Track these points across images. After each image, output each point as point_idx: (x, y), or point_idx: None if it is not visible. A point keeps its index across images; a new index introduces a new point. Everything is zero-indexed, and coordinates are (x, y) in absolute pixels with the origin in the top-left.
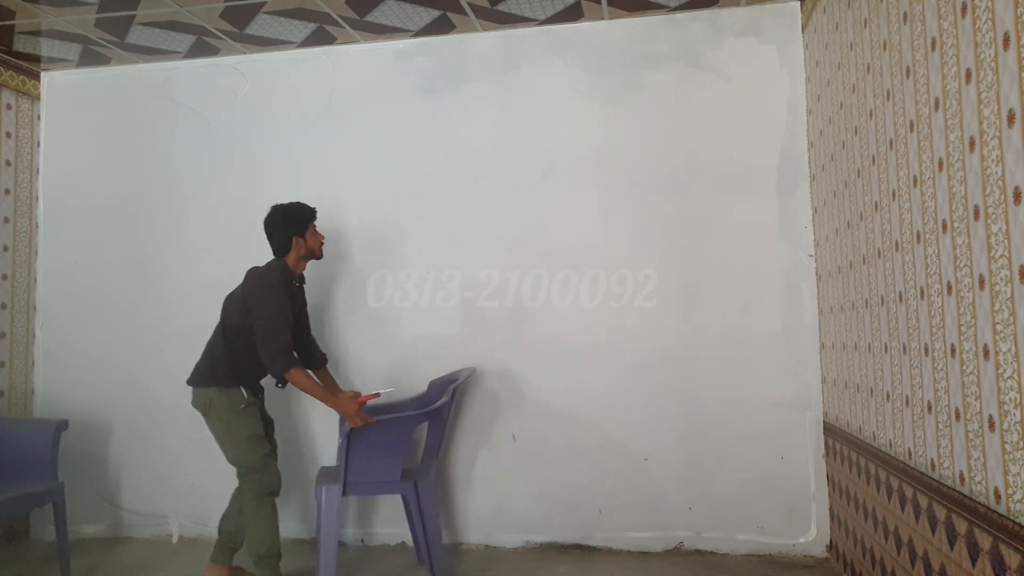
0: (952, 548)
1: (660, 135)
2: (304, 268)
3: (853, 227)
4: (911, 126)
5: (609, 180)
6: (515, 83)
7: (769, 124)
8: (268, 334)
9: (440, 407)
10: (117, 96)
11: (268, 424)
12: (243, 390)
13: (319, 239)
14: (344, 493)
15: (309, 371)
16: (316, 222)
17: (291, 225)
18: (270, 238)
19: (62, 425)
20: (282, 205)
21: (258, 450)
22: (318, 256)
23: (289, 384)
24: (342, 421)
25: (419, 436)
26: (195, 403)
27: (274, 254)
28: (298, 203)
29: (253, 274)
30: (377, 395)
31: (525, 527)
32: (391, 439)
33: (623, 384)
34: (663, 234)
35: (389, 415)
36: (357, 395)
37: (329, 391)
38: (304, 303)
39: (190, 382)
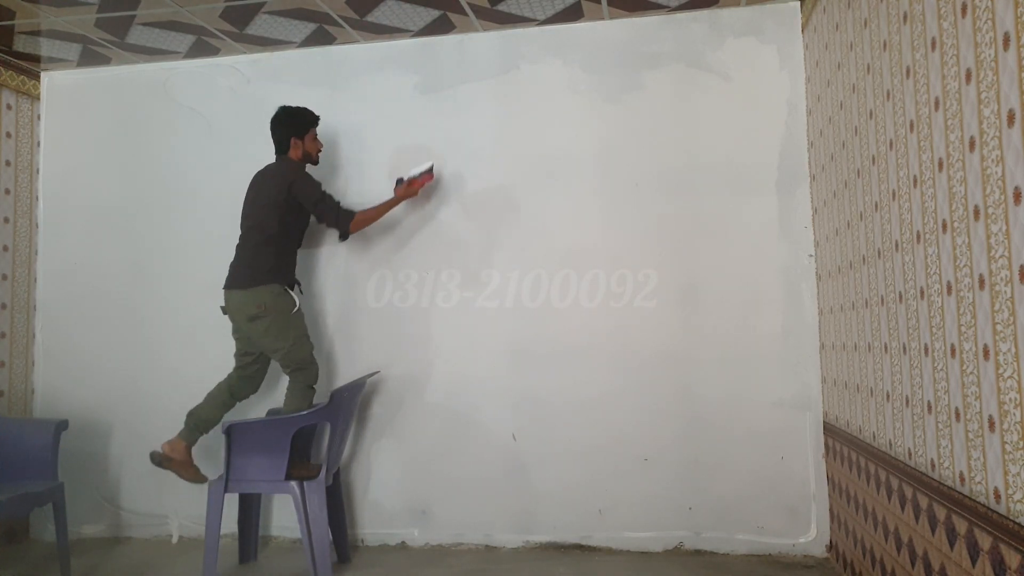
0: (952, 548)
1: (660, 135)
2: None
3: (853, 227)
4: (911, 126)
5: (609, 180)
6: (515, 83)
7: (769, 124)
8: (325, 204)
9: (318, 411)
10: (117, 96)
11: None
12: (293, 294)
13: (317, 145)
14: (226, 490)
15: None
16: (317, 129)
17: (292, 126)
18: (273, 136)
19: (62, 425)
20: (289, 107)
21: (308, 346)
22: (314, 161)
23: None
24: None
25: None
26: (243, 305)
27: (277, 151)
28: (303, 107)
29: (274, 172)
30: (428, 171)
31: (525, 527)
32: (272, 440)
33: (623, 384)
34: (663, 234)
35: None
36: (409, 181)
37: (385, 204)
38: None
39: (237, 285)
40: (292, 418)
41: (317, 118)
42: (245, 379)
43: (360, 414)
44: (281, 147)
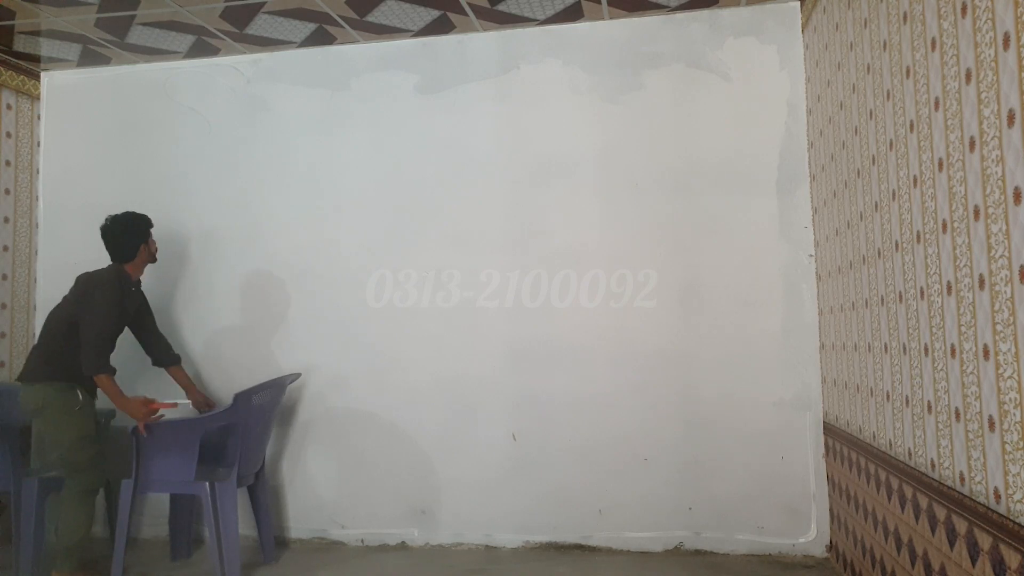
0: (952, 548)
1: (660, 135)
2: (142, 272)
3: (853, 227)
4: (911, 126)
5: (609, 180)
6: (515, 83)
7: (769, 124)
8: (91, 336)
9: (222, 413)
10: (117, 96)
11: (98, 423)
12: (79, 391)
13: (154, 245)
14: (136, 491)
15: (165, 368)
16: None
17: (137, 234)
18: (114, 246)
19: (110, 414)
20: (123, 215)
21: (88, 449)
22: (155, 260)
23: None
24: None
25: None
26: (26, 401)
27: (114, 260)
28: (135, 212)
29: (86, 279)
30: (174, 404)
31: (525, 527)
32: (181, 442)
33: (623, 384)
34: (663, 234)
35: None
36: (150, 401)
37: (123, 396)
38: (146, 304)
39: (21, 378)
40: (199, 419)
41: (150, 220)
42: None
43: (360, 414)
44: (128, 256)
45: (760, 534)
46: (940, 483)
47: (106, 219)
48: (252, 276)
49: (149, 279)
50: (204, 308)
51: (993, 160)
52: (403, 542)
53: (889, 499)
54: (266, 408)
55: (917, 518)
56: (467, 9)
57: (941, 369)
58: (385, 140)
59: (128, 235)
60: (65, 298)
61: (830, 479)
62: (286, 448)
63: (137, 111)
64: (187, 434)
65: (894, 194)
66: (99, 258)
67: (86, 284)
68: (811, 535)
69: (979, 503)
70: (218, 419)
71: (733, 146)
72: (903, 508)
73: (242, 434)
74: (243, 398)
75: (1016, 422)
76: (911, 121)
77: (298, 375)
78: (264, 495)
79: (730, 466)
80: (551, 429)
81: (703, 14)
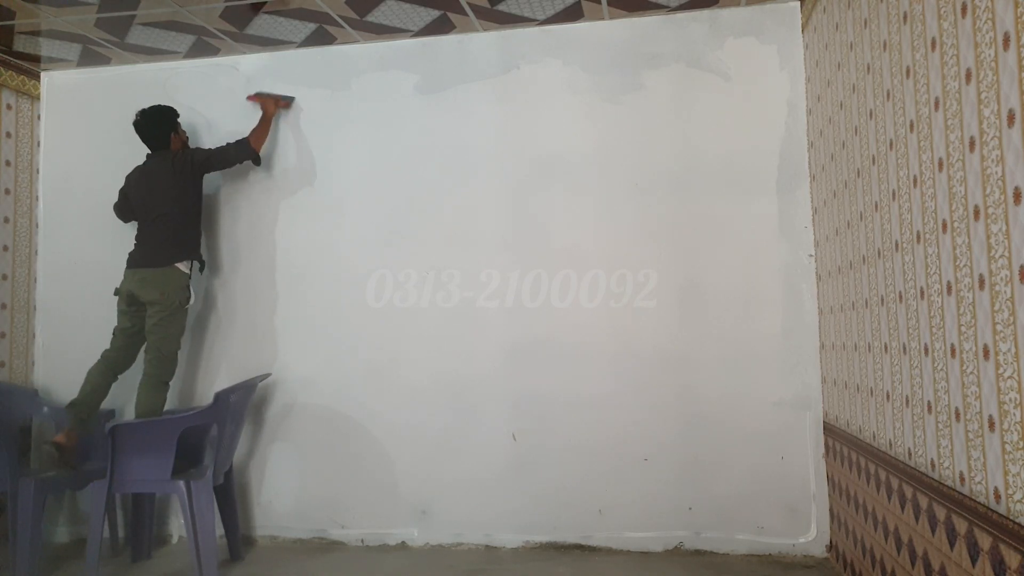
0: (952, 548)
1: (660, 135)
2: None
3: (853, 227)
4: (911, 126)
5: (609, 180)
6: (515, 83)
7: (769, 124)
8: (224, 151)
9: (203, 412)
10: (117, 96)
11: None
12: (191, 289)
13: (184, 134)
14: (111, 490)
15: None
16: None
17: (170, 122)
18: (151, 136)
19: (109, 414)
20: (151, 108)
21: (178, 343)
22: (188, 147)
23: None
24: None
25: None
26: (149, 287)
27: (156, 149)
28: (161, 105)
29: (169, 158)
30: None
31: (525, 527)
32: (158, 441)
33: (623, 384)
34: (663, 234)
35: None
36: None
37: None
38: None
39: (151, 263)
40: (177, 418)
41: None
42: (124, 353)
43: (360, 414)
44: (161, 143)
45: (760, 534)
46: (940, 483)
47: (136, 114)
48: (251, 276)
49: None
50: (204, 308)
51: (993, 160)
52: (403, 542)
53: (889, 499)
54: (239, 407)
55: (917, 518)
56: (467, 9)
57: (941, 369)
58: (385, 140)
59: (161, 125)
60: (155, 186)
61: (830, 479)
62: (286, 448)
63: (137, 111)
64: (165, 433)
65: (894, 194)
66: (99, 258)
67: (175, 163)
68: (811, 535)
69: (979, 503)
70: (197, 418)
71: (733, 146)
72: (903, 508)
73: (218, 432)
74: (223, 397)
75: (1016, 422)
76: (911, 121)
77: (268, 375)
78: (233, 494)
79: (730, 466)
80: (551, 429)
81: (703, 14)
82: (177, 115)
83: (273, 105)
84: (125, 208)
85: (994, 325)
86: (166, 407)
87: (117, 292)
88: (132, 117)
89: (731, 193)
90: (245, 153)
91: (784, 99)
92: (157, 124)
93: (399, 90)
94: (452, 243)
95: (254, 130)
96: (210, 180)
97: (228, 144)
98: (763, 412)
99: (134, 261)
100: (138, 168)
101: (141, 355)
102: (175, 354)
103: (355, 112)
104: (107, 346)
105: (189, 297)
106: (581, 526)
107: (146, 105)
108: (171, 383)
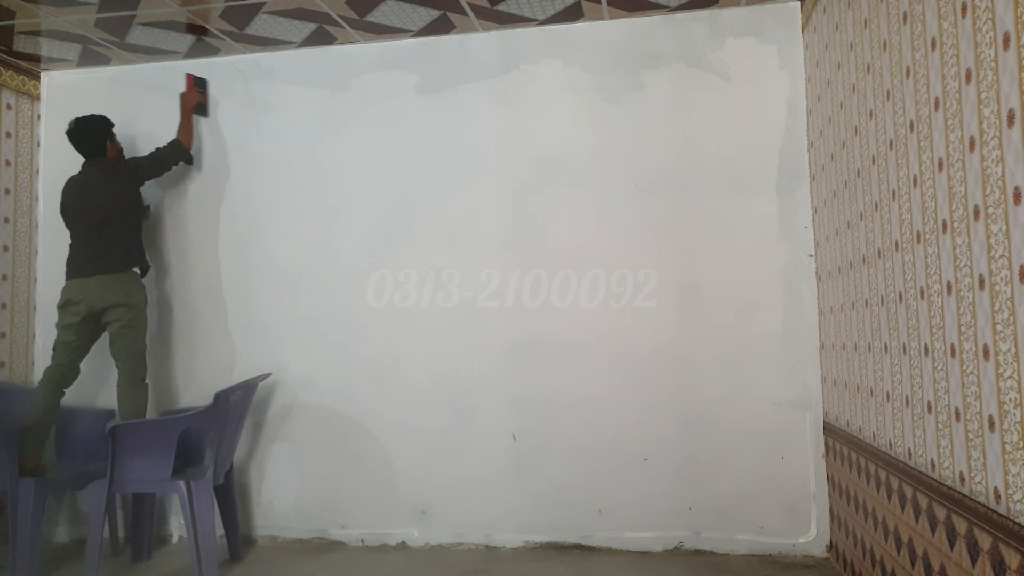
0: (952, 548)
1: (660, 135)
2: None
3: (853, 227)
4: (911, 126)
5: (609, 180)
6: (515, 83)
7: (769, 124)
8: (158, 157)
9: (204, 412)
10: (117, 96)
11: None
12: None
13: (119, 143)
14: (111, 491)
15: None
16: None
17: (104, 130)
18: (85, 145)
19: (109, 414)
20: (85, 117)
21: (145, 341)
22: (123, 156)
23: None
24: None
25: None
26: (111, 291)
27: (90, 156)
28: (95, 114)
29: (107, 166)
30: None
31: (525, 527)
32: (158, 441)
33: (623, 384)
34: (663, 234)
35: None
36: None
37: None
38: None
39: (109, 269)
40: (178, 418)
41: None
42: (69, 368)
43: (360, 414)
44: (96, 151)
45: (760, 534)
46: (940, 483)
47: (69, 123)
48: (251, 276)
49: (148, 277)
50: (203, 308)
51: (993, 160)
52: (403, 542)
53: (889, 499)
54: (239, 407)
55: (917, 518)
56: (467, 9)
57: (941, 369)
58: (385, 140)
59: (95, 133)
60: (94, 195)
61: (830, 479)
62: (286, 448)
63: (137, 111)
64: (165, 433)
65: (894, 194)
66: None
67: (115, 172)
68: (811, 535)
69: (979, 503)
70: (197, 418)
71: (733, 146)
72: (903, 508)
73: (219, 433)
74: (223, 397)
75: (1016, 422)
76: (911, 121)
77: (268, 375)
78: (233, 494)
79: (730, 466)
80: (551, 429)
81: (703, 14)
82: (112, 124)
83: (189, 98)
84: (63, 217)
85: (994, 325)
86: (165, 408)
87: (63, 306)
88: (132, 116)
89: (731, 193)
90: (179, 154)
91: (784, 99)
92: (92, 133)
93: (399, 90)
94: (452, 243)
95: (180, 130)
96: (212, 180)
97: (159, 148)
98: (763, 412)
99: (83, 270)
100: (72, 178)
101: (84, 366)
102: (144, 352)
103: (355, 112)
104: (104, 343)
105: (146, 297)
106: (581, 526)
107: (82, 113)
108: (170, 383)
